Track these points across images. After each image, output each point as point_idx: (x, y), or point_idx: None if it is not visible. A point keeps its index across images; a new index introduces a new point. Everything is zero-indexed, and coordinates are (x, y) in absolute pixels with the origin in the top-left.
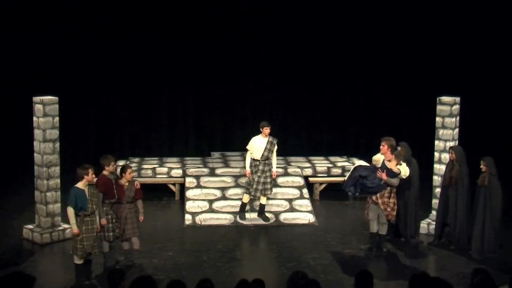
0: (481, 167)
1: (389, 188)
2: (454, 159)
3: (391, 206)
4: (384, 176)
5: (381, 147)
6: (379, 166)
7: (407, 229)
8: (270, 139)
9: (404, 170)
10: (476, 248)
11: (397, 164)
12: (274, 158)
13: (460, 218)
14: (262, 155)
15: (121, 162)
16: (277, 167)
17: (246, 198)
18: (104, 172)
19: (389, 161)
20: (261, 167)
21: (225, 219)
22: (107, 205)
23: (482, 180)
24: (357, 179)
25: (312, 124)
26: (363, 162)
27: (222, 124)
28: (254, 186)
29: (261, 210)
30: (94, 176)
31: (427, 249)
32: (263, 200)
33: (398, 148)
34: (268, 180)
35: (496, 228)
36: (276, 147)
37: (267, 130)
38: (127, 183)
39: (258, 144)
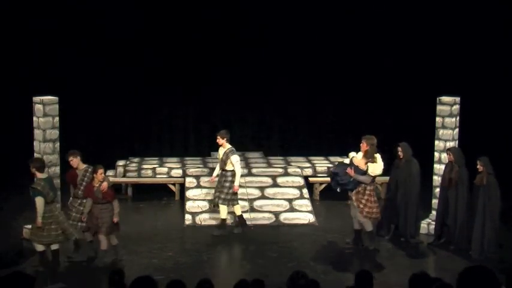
0: (478, 167)
1: (363, 185)
2: (453, 161)
3: (363, 203)
4: (352, 172)
5: (361, 144)
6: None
7: (407, 229)
8: (227, 151)
9: (372, 168)
10: (476, 248)
11: (366, 162)
12: (236, 172)
13: (460, 218)
14: (219, 165)
15: (121, 162)
16: (277, 167)
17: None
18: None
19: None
20: (219, 177)
21: None
22: (75, 200)
23: (480, 179)
24: (333, 176)
25: (312, 124)
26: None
27: (222, 124)
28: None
29: (238, 221)
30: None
31: (427, 249)
32: (236, 210)
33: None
34: (225, 191)
35: (496, 228)
36: (232, 160)
37: (217, 140)
38: (98, 184)
39: (219, 154)
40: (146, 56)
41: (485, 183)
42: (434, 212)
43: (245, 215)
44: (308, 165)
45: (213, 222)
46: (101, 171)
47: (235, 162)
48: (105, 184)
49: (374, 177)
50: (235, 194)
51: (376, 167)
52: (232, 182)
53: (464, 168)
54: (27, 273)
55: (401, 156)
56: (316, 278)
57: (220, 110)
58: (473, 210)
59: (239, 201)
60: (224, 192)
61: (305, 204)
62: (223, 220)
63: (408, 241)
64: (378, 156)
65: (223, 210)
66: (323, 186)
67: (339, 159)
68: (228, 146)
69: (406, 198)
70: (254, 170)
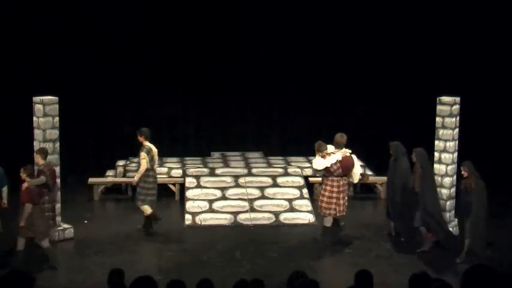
0: (462, 172)
1: (324, 179)
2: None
3: (320, 198)
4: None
5: None
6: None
7: (403, 229)
8: (142, 148)
9: (313, 161)
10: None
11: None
12: (140, 168)
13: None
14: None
15: (121, 162)
16: (277, 167)
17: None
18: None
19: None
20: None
21: (225, 219)
22: None
23: (469, 185)
24: None
25: (312, 124)
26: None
27: (222, 124)
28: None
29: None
30: None
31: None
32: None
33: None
34: (142, 191)
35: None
36: (140, 157)
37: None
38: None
39: None
40: (146, 56)
41: (475, 187)
42: None
43: (245, 215)
44: (308, 165)
45: (213, 222)
46: (22, 170)
47: (141, 158)
48: (24, 184)
49: (333, 172)
50: (148, 193)
51: (314, 161)
52: (150, 182)
53: (480, 180)
54: (27, 273)
55: (391, 156)
56: (316, 278)
57: (220, 110)
58: (461, 213)
59: (240, 202)
60: (142, 192)
61: (305, 204)
62: (148, 217)
63: (408, 241)
64: (329, 152)
65: (146, 209)
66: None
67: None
68: (147, 144)
69: (397, 198)
70: (254, 170)
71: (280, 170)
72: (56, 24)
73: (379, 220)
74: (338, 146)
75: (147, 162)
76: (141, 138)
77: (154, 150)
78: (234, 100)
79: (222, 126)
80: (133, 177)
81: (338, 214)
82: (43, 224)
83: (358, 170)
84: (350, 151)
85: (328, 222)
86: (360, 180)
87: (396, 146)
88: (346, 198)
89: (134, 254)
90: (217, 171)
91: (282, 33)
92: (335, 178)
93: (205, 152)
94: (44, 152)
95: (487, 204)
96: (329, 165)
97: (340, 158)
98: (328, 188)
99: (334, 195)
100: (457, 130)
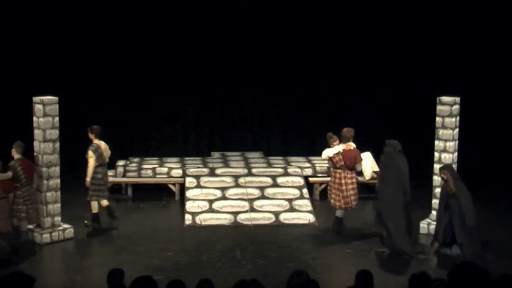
0: (442, 176)
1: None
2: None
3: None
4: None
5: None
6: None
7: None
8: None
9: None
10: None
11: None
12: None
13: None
14: None
15: (121, 162)
16: (277, 167)
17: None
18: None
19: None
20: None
21: (225, 219)
22: None
23: (449, 188)
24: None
25: (312, 124)
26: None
27: (222, 124)
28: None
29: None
30: None
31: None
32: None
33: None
34: (91, 187)
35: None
36: (88, 156)
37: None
38: None
39: None
40: (146, 56)
41: (456, 190)
42: (434, 212)
43: (245, 215)
44: (308, 165)
45: (213, 223)
46: None
47: (89, 157)
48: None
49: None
50: (96, 189)
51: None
52: (98, 178)
53: (460, 182)
54: (27, 273)
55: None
56: (316, 278)
57: (220, 110)
58: (439, 216)
59: (240, 202)
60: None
61: (305, 204)
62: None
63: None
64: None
65: (94, 206)
66: (323, 186)
67: None
68: (95, 142)
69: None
70: (254, 170)
71: (280, 170)
72: (56, 24)
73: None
74: (344, 140)
75: (94, 160)
76: (91, 136)
77: (103, 147)
78: (234, 100)
79: (222, 126)
80: (133, 177)
81: (344, 206)
82: (4, 217)
83: (367, 166)
84: (354, 145)
85: (339, 213)
86: (373, 178)
87: (390, 145)
88: (354, 191)
89: (134, 254)
90: (217, 171)
91: (282, 33)
92: (338, 170)
93: (205, 152)
94: (19, 146)
95: (471, 208)
96: (331, 156)
97: (341, 150)
98: (332, 179)
99: (336, 186)
100: (457, 130)
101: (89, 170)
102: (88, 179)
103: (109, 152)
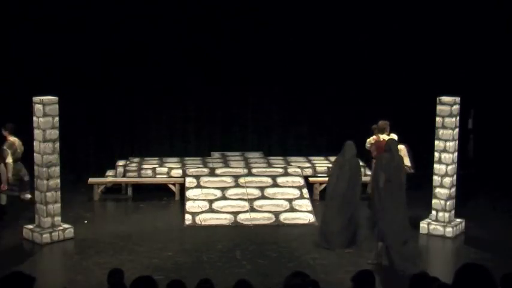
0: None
1: None
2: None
3: None
4: None
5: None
6: None
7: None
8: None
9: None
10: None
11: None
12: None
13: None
14: None
15: (121, 162)
16: (277, 167)
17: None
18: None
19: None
20: None
21: (225, 219)
22: None
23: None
24: None
25: (312, 124)
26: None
27: (222, 124)
28: None
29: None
30: None
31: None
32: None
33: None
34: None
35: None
36: (4, 153)
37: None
38: None
39: None
40: (146, 56)
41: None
42: (434, 212)
43: (245, 215)
44: (308, 165)
45: (213, 223)
46: None
47: (6, 155)
48: None
49: None
50: (16, 183)
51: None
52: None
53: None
54: (27, 273)
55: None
56: (316, 278)
57: (220, 110)
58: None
59: (240, 202)
60: None
61: (305, 204)
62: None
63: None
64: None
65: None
66: (323, 186)
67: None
68: (10, 138)
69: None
70: (254, 170)
71: (280, 170)
72: (56, 24)
73: None
74: (379, 131)
75: (10, 156)
76: (5, 133)
77: (18, 143)
78: (234, 100)
79: (222, 126)
80: (133, 177)
81: None
82: None
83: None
84: (388, 137)
85: None
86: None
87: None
88: None
89: (134, 254)
90: (217, 171)
91: (282, 33)
92: (373, 160)
93: (205, 152)
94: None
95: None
96: (369, 146)
97: (373, 141)
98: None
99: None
100: (457, 130)
101: (7, 167)
102: (9, 175)
103: (22, 148)
